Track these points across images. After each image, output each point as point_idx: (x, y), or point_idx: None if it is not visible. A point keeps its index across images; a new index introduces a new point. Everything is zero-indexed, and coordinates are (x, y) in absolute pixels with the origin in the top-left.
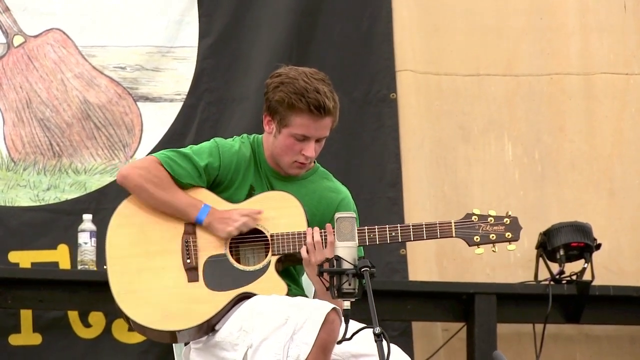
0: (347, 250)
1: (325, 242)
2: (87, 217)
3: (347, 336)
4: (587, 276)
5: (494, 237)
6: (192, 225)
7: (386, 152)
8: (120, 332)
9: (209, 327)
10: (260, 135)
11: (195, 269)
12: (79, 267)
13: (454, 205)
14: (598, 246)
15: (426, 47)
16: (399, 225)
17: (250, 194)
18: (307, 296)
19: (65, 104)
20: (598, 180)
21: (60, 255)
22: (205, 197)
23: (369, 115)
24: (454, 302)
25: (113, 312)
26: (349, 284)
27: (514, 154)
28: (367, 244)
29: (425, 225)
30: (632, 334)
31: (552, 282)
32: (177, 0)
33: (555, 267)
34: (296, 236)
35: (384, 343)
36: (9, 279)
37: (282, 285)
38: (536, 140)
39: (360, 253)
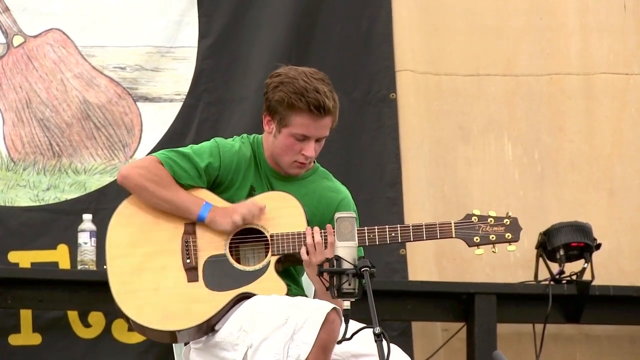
0: (347, 250)
1: (326, 243)
2: (87, 217)
3: (347, 336)
4: (587, 276)
5: (494, 238)
6: (192, 225)
7: (386, 152)
8: (120, 332)
9: (208, 327)
10: (260, 135)
11: (195, 269)
12: (79, 267)
13: (453, 205)
14: (598, 246)
15: (426, 47)
16: (398, 225)
17: (250, 194)
18: (307, 296)
19: (65, 104)
20: (598, 180)
21: (60, 255)
22: (205, 197)
23: (368, 115)
24: (454, 302)
25: (113, 312)
26: (349, 284)
27: (513, 154)
28: (367, 244)
29: (425, 225)
30: (632, 334)
31: (552, 282)
32: (177, 1)
33: (555, 267)
34: (296, 236)
35: (384, 343)
36: (8, 279)
37: (282, 285)
38: (536, 140)
39: (360, 253)
